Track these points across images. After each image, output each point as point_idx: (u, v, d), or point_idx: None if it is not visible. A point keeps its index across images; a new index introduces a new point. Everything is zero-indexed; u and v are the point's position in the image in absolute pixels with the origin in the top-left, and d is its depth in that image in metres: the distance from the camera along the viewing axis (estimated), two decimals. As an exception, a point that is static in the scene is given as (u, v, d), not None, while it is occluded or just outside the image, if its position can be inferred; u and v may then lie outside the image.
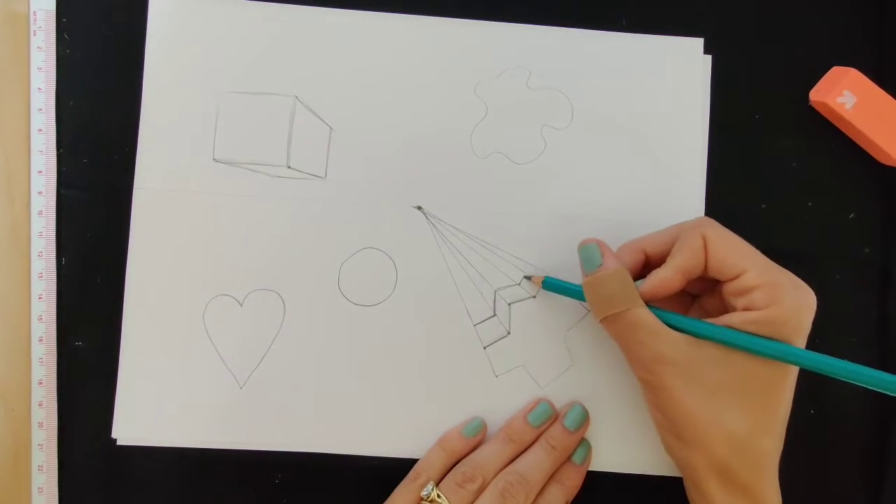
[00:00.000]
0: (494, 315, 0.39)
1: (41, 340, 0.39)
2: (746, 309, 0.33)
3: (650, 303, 0.34)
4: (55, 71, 0.39)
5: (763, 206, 0.40)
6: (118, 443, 0.39)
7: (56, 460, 0.39)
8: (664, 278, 0.34)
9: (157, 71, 0.39)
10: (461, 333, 0.39)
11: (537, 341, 0.39)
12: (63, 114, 0.39)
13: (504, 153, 0.40)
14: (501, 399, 0.39)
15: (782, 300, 0.32)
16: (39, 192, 0.40)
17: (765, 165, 0.40)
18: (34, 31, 0.40)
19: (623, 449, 0.39)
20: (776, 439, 0.34)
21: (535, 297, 0.39)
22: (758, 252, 0.34)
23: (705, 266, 0.34)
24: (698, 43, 0.40)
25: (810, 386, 0.40)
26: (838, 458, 0.40)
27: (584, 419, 0.38)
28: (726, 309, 0.34)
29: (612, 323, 0.34)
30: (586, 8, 0.40)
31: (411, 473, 0.38)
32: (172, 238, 0.39)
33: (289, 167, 0.39)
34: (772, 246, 0.40)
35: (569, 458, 0.38)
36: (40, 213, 0.40)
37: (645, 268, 0.36)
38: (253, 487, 0.39)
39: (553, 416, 0.38)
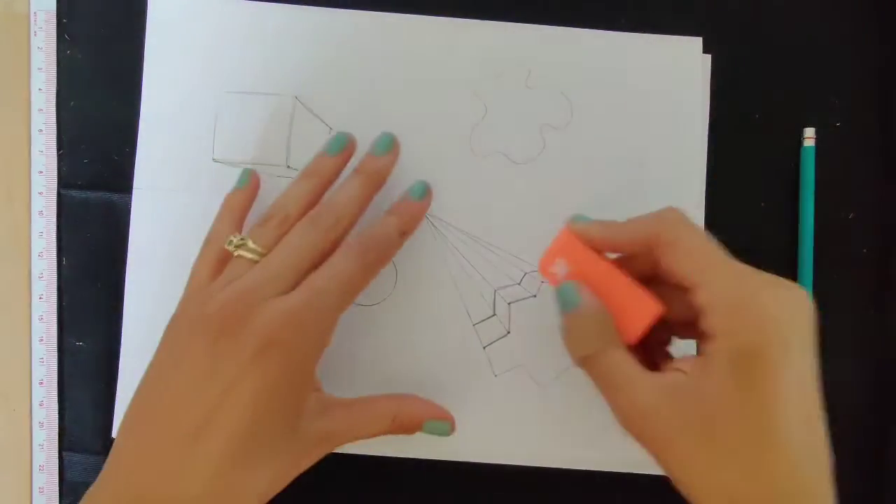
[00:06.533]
0: (494, 314, 0.39)
1: (41, 340, 0.40)
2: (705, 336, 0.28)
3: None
4: (55, 71, 0.39)
5: (763, 205, 0.40)
6: (118, 442, 0.39)
7: (56, 460, 0.39)
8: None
9: (156, 71, 0.39)
10: (461, 333, 0.39)
11: (537, 341, 0.39)
12: (63, 114, 0.39)
13: (504, 153, 0.40)
14: (500, 399, 0.39)
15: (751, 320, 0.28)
16: (39, 193, 0.40)
17: (765, 165, 0.40)
18: (34, 32, 0.40)
19: (623, 448, 0.39)
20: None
21: (535, 296, 0.39)
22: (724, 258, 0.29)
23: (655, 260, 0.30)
24: (698, 42, 0.40)
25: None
26: (838, 458, 0.40)
27: (392, 143, 0.36)
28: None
29: (590, 367, 0.31)
30: (586, 7, 0.40)
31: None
32: (172, 238, 0.39)
33: (288, 167, 0.39)
34: (772, 246, 0.40)
35: (407, 195, 0.37)
36: (40, 213, 0.40)
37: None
38: (253, 487, 0.39)
39: (352, 143, 0.36)
